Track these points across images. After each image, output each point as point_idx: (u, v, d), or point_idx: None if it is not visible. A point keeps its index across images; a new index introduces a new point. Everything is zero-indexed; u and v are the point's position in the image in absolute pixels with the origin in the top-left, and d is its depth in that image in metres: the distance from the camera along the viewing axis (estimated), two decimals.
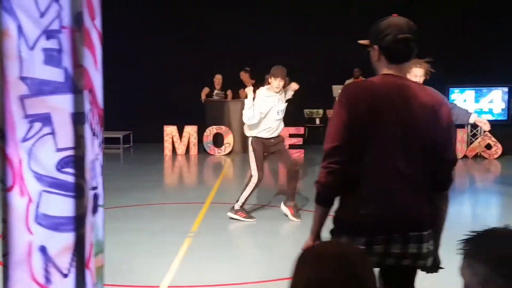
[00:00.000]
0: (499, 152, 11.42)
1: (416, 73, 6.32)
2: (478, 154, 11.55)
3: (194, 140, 12.34)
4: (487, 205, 8.16)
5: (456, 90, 11.61)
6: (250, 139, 6.66)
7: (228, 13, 13.27)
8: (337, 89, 12.44)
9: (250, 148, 6.63)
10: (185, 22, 13.42)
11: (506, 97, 11.58)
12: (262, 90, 6.58)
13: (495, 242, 1.48)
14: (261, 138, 6.59)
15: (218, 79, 12.70)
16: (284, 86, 6.64)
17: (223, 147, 12.24)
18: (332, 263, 1.38)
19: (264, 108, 6.43)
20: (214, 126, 12.26)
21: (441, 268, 2.65)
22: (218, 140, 12.31)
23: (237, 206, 6.64)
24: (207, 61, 12.98)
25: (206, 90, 12.81)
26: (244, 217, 6.65)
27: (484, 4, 12.78)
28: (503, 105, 11.61)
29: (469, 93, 11.66)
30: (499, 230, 1.51)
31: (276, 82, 6.43)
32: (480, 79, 11.67)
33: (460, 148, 11.48)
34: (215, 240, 5.93)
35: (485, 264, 1.42)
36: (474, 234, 1.51)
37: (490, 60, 12.14)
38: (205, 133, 12.25)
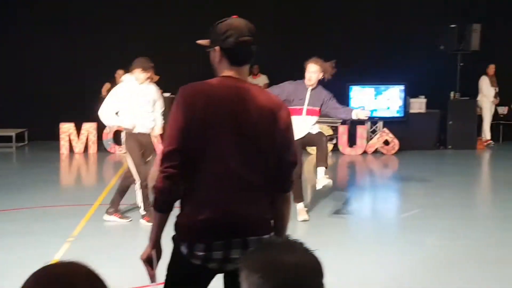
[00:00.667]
0: (396, 148, 11.72)
1: (310, 69, 6.38)
2: (377, 150, 11.80)
3: (93, 138, 11.93)
4: (385, 200, 8.33)
5: (355, 87, 11.81)
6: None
7: (126, 7, 12.92)
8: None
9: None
10: (84, 14, 12.95)
11: (403, 94, 11.89)
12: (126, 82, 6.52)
13: (268, 252, 1.46)
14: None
15: (119, 74, 12.31)
16: (151, 78, 6.58)
17: (124, 145, 11.86)
18: (54, 285, 1.31)
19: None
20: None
21: None
22: (119, 138, 11.92)
23: (141, 211, 6.43)
24: (108, 55, 12.57)
25: (107, 85, 12.39)
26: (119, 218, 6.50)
27: (382, 5, 13.08)
28: (400, 103, 11.91)
29: (368, 91, 11.89)
30: (274, 240, 1.49)
31: (136, 74, 6.33)
32: (379, 77, 11.92)
33: (360, 144, 11.71)
34: (96, 243, 5.68)
35: (258, 274, 1.40)
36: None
37: (388, 59, 12.44)
38: (104, 131, 11.86)
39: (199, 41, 2.53)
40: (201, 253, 2.30)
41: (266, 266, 1.40)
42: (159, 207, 2.38)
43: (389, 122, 11.98)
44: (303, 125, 6.32)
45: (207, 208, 2.31)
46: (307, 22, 13.07)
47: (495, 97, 12.54)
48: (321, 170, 6.47)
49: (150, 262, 2.45)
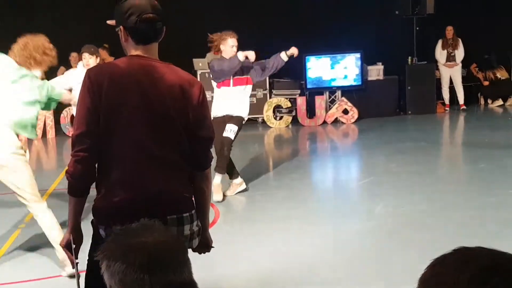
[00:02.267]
0: (356, 116, 11.78)
1: (233, 43, 6.36)
2: (337, 119, 11.85)
3: (50, 122, 11.76)
4: (348, 169, 8.40)
5: (312, 57, 11.79)
6: None
7: None
8: (198, 63, 12.26)
9: None
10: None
11: (359, 62, 11.92)
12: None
13: (125, 237, 1.47)
14: None
15: (74, 57, 12.12)
16: (103, 60, 6.53)
17: None
18: None
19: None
20: (71, 107, 11.71)
21: (213, 247, 2.66)
22: None
23: None
24: (62, 38, 12.31)
25: (62, 69, 12.12)
26: None
27: None
28: (357, 71, 11.95)
29: (325, 60, 11.89)
30: (128, 227, 1.47)
31: (84, 59, 6.43)
32: (334, 46, 11.91)
33: (319, 114, 11.74)
34: None
35: (119, 261, 1.39)
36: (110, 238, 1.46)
37: (342, 27, 12.41)
38: (62, 115, 11.70)
39: (108, 21, 2.50)
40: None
41: (126, 250, 1.39)
42: (73, 192, 2.39)
43: (347, 91, 12.01)
44: (231, 95, 6.32)
45: (122, 189, 2.31)
46: None
47: (450, 60, 12.55)
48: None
49: (69, 247, 2.43)
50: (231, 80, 6.31)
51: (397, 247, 4.75)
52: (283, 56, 6.41)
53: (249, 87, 6.45)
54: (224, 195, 6.45)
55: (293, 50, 6.44)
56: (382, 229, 5.22)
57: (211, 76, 6.54)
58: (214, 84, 6.52)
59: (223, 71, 6.11)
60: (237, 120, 6.37)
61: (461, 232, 5.00)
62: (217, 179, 6.34)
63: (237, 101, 6.36)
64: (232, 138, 6.33)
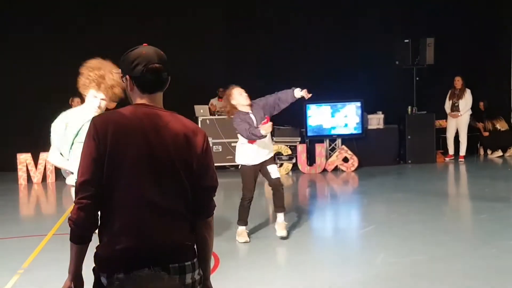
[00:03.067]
0: (356, 164, 11.81)
1: (239, 91, 6.48)
2: (337, 167, 11.87)
3: (50, 167, 11.76)
4: (348, 217, 8.38)
5: (313, 106, 11.90)
6: None
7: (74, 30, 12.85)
8: (199, 109, 12.36)
9: None
10: (29, 41, 12.83)
11: (360, 111, 12.02)
12: None
13: (133, 285, 1.41)
14: None
15: (75, 102, 12.19)
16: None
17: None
18: None
19: None
20: None
21: None
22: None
23: None
24: (61, 83, 12.45)
25: (76, 101, 12.23)
26: None
27: (335, 23, 13.24)
28: (357, 119, 12.03)
29: (325, 109, 11.99)
30: (139, 273, 1.46)
31: None
32: (335, 94, 12.04)
33: (320, 162, 11.77)
34: (46, 276, 5.56)
35: None
36: None
37: (343, 76, 12.57)
38: None
39: (114, 71, 2.55)
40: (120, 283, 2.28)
41: None
42: (76, 239, 2.38)
43: (347, 139, 12.09)
44: (262, 144, 6.46)
45: (124, 237, 2.31)
46: (262, 40, 13.15)
47: (453, 110, 12.66)
48: (280, 215, 6.73)
49: None
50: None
51: None
52: (297, 92, 6.48)
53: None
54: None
55: (305, 92, 6.52)
56: (383, 278, 5.18)
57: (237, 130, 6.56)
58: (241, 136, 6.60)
59: (253, 137, 6.26)
60: (271, 159, 6.63)
61: (464, 284, 4.95)
62: (241, 228, 6.68)
63: (266, 143, 6.55)
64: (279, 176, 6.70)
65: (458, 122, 12.63)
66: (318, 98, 11.96)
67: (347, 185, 11.07)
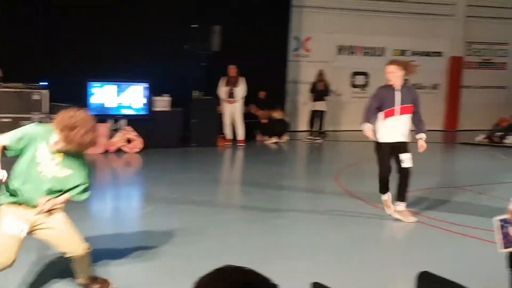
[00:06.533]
0: (140, 146, 11.73)
1: (386, 70, 6.60)
2: (120, 148, 11.68)
3: None
4: (129, 198, 8.31)
5: (96, 84, 11.56)
6: None
7: None
8: None
9: None
10: None
11: (147, 92, 11.96)
12: None
13: None
14: None
15: None
16: None
17: None
18: None
19: None
20: None
21: None
22: None
23: None
24: None
25: None
26: None
27: (125, 2, 13.02)
28: (144, 100, 11.96)
29: (110, 87, 11.73)
30: None
31: None
32: (122, 74, 11.83)
33: (102, 143, 11.45)
34: None
35: None
36: None
37: (131, 57, 12.40)
38: None
39: None
40: None
41: None
42: None
43: (132, 120, 11.95)
44: (398, 125, 6.55)
45: None
46: (44, 16, 12.41)
47: (230, 96, 13.20)
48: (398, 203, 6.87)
49: None
50: (397, 109, 6.65)
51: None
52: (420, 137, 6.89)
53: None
54: None
55: (421, 145, 6.90)
56: (161, 257, 5.24)
57: None
58: None
59: None
60: None
61: (232, 260, 5.20)
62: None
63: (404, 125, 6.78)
64: None
65: (234, 109, 13.22)
66: (103, 76, 11.75)
67: (129, 166, 10.98)
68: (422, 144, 6.72)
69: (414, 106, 6.64)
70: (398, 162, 6.65)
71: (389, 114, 6.56)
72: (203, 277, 1.43)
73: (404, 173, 6.67)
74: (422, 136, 6.70)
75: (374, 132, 6.58)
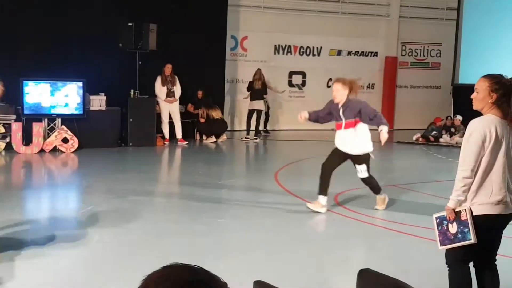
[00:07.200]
0: (76, 145, 11.49)
1: (333, 88, 6.92)
2: (56, 148, 11.41)
3: None
4: (66, 199, 8.15)
5: (31, 82, 11.26)
6: None
7: None
8: None
9: None
10: None
11: (81, 91, 11.73)
12: None
13: None
14: None
15: None
16: None
17: None
18: None
19: None
20: None
21: None
22: None
23: None
24: None
25: None
26: None
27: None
28: (78, 99, 11.72)
29: (45, 86, 11.44)
30: None
31: None
32: (56, 73, 11.56)
33: (37, 142, 11.19)
34: None
35: None
36: None
37: (66, 54, 12.15)
38: None
39: None
40: None
41: None
42: None
43: (68, 119, 11.69)
44: (347, 138, 6.90)
45: None
46: None
47: (170, 96, 13.09)
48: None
49: None
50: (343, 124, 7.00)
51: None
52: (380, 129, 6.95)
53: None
54: None
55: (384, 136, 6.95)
56: (99, 257, 5.17)
57: None
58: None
59: None
60: None
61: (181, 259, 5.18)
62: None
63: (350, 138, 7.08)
64: None
65: (172, 108, 13.14)
66: (37, 74, 11.44)
67: (66, 166, 10.75)
68: (383, 136, 6.94)
69: (360, 118, 6.93)
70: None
71: (338, 127, 7.03)
72: (151, 275, 1.43)
73: (365, 182, 7.27)
74: (382, 128, 6.91)
75: (305, 118, 7.19)
